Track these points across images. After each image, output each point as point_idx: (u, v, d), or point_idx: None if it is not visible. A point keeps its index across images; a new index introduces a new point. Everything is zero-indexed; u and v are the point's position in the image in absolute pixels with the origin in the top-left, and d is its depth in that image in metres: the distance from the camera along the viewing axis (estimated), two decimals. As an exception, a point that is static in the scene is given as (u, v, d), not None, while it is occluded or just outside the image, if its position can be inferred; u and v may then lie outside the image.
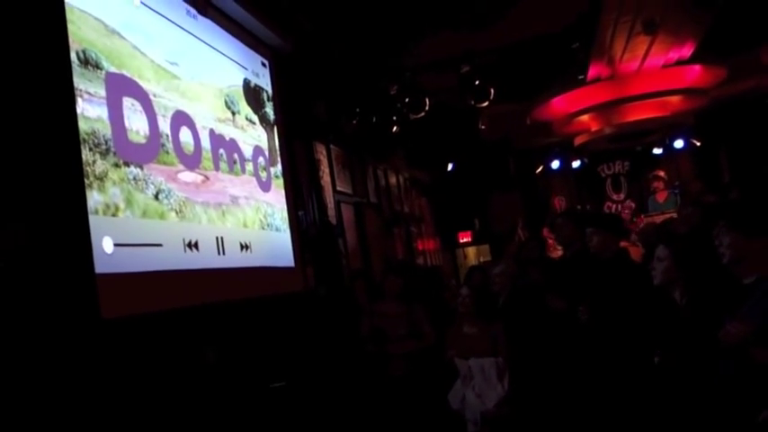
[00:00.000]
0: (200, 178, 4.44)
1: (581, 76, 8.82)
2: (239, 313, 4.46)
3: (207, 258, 4.32)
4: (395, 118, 7.96)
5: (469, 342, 4.38)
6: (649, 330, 3.06)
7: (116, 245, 3.39)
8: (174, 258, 3.94)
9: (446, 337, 4.61)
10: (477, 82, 7.50)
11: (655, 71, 8.88)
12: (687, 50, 8.42)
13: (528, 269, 5.13)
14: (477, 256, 12.77)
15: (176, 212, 4.04)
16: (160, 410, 3.41)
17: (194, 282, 4.10)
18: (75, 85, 3.32)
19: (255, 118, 5.55)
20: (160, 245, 3.82)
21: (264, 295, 4.93)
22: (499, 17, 6.78)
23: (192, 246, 4.15)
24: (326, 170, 7.45)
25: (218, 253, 4.49)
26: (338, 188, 7.67)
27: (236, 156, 5.02)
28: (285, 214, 5.77)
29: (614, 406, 3.53)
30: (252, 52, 5.72)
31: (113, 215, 3.43)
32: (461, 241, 12.82)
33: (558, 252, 7.79)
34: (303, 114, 6.69)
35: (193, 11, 4.74)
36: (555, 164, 11.88)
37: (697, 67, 8.94)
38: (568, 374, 3.96)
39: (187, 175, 4.27)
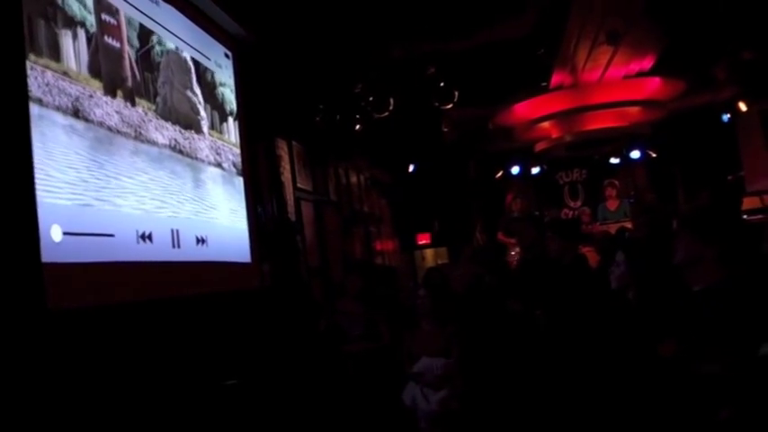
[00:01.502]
0: (156, 168, 4.31)
1: (544, 83, 8.93)
2: (193, 308, 4.36)
3: (161, 251, 4.20)
4: (358, 116, 7.91)
5: (426, 340, 4.38)
6: (606, 333, 3.10)
7: (65, 233, 3.27)
8: (126, 249, 3.81)
9: (404, 339, 4.60)
10: (441, 84, 7.52)
11: (616, 81, 9.03)
12: (648, 63, 8.59)
13: (484, 273, 5.14)
14: (435, 258, 12.79)
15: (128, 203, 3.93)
16: (108, 406, 3.30)
17: (147, 274, 3.98)
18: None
19: (216, 111, 5.44)
20: (112, 235, 3.70)
21: (220, 290, 4.83)
22: (470, 33, 6.82)
23: (146, 237, 4.03)
24: (287, 167, 7.36)
25: (173, 246, 4.37)
26: (299, 185, 7.59)
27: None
28: (243, 209, 5.67)
29: (572, 407, 3.56)
30: (215, 42, 5.60)
31: (63, 202, 3.31)
32: (420, 243, 12.83)
33: (515, 255, 7.86)
34: (265, 109, 6.59)
35: (156, -4, 4.62)
36: (515, 169, 11.99)
37: (656, 80, 9.13)
38: (524, 376, 3.97)
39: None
